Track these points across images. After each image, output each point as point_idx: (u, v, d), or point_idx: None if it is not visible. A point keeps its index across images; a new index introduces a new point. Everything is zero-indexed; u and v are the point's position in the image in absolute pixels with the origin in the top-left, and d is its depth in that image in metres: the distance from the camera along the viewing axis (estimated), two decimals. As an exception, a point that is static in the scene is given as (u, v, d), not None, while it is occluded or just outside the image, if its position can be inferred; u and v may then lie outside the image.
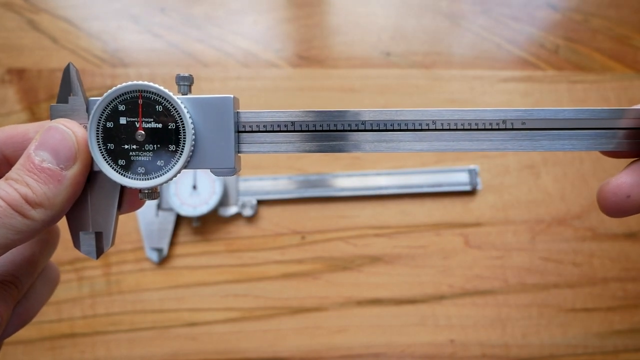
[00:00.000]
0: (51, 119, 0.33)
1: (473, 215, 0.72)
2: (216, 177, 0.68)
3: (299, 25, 0.79)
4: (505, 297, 0.70)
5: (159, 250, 0.69)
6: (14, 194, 0.30)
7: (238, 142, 0.34)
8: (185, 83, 0.34)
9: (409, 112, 0.34)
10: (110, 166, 0.33)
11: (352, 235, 0.71)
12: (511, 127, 0.34)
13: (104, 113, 0.33)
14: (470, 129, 0.34)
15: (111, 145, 0.33)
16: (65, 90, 0.34)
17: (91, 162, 0.33)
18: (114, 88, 0.32)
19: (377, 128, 0.34)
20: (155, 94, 0.33)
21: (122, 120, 0.33)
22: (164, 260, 0.70)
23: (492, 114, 0.34)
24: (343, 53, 0.77)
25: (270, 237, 0.71)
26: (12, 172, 0.31)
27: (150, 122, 0.33)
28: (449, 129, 0.34)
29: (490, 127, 0.34)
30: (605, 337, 0.69)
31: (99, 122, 0.33)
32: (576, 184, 0.73)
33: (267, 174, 0.72)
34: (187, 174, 0.70)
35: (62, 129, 0.32)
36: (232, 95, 0.34)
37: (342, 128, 0.34)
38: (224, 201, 0.70)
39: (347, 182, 0.72)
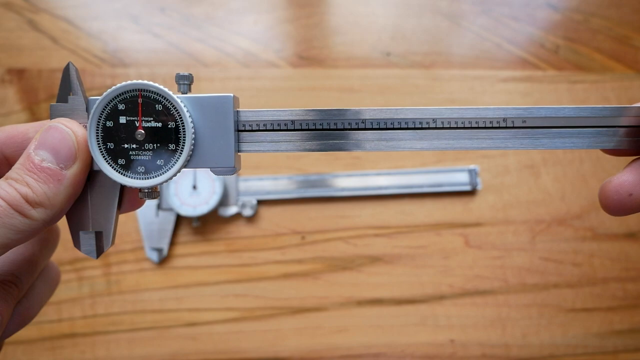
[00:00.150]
0: (51, 119, 0.33)
1: (473, 215, 0.72)
2: (216, 177, 0.68)
3: (299, 25, 0.79)
4: (505, 297, 0.70)
5: (159, 250, 0.69)
6: (14, 193, 0.30)
7: (238, 141, 0.34)
8: (185, 82, 0.34)
9: (409, 111, 0.34)
10: (110, 165, 0.33)
11: (352, 235, 0.71)
12: (512, 125, 0.34)
13: (103, 112, 0.33)
14: (471, 128, 0.34)
15: (111, 145, 0.33)
16: (65, 89, 0.34)
17: (91, 161, 0.33)
18: (113, 87, 0.32)
19: (377, 127, 0.34)
20: (155, 93, 0.33)
21: (122, 120, 0.33)
22: (164, 260, 0.70)
23: (492, 112, 0.34)
24: (343, 53, 0.77)
25: (270, 237, 0.71)
26: (12, 172, 0.31)
27: (150, 121, 0.33)
28: (449, 128, 0.34)
29: (490, 126, 0.34)
30: (605, 337, 0.69)
31: (98, 122, 0.33)
32: (576, 184, 0.73)
33: (267, 174, 0.72)
34: (187, 173, 0.70)
35: (61, 129, 0.32)
36: (231, 94, 0.34)
37: (342, 127, 0.34)
38: (224, 201, 0.70)
39: (347, 182, 0.72)
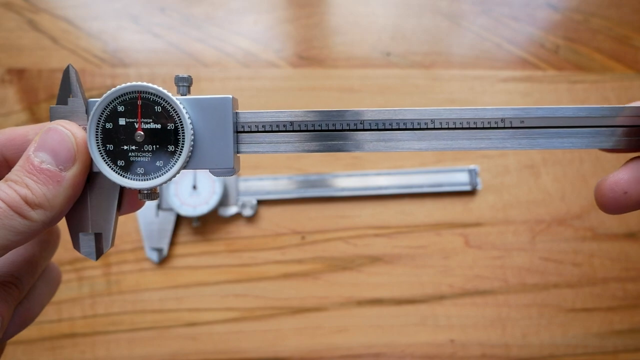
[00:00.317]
0: (51, 121, 0.33)
1: (473, 215, 0.72)
2: (216, 177, 0.68)
3: (299, 25, 0.79)
4: (505, 297, 0.70)
5: (159, 250, 0.69)
6: (14, 195, 0.30)
7: (237, 142, 0.34)
8: (184, 84, 0.34)
9: (408, 112, 0.34)
10: (110, 167, 0.33)
11: (352, 235, 0.71)
12: (510, 125, 0.34)
13: (103, 114, 0.33)
14: (469, 128, 0.34)
15: (110, 146, 0.33)
16: (65, 91, 0.34)
17: (90, 163, 0.33)
18: (113, 89, 0.32)
19: (377, 127, 0.34)
20: (154, 94, 0.33)
21: (121, 121, 0.33)
22: (164, 260, 0.70)
23: (490, 112, 0.34)
24: (343, 53, 0.77)
25: (270, 237, 0.71)
26: (12, 174, 0.31)
27: (150, 122, 0.33)
28: (448, 128, 0.34)
29: (489, 126, 0.34)
30: (605, 337, 0.69)
31: (98, 123, 0.33)
32: (576, 184, 0.73)
33: (267, 174, 0.72)
34: (187, 174, 0.70)
35: (61, 130, 0.32)
36: (230, 96, 0.34)
37: (341, 127, 0.34)
38: (224, 201, 0.70)
39: (347, 182, 0.72)
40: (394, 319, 0.69)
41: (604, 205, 0.33)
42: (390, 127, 0.34)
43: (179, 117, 0.33)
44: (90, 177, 0.34)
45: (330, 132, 0.34)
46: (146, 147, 0.33)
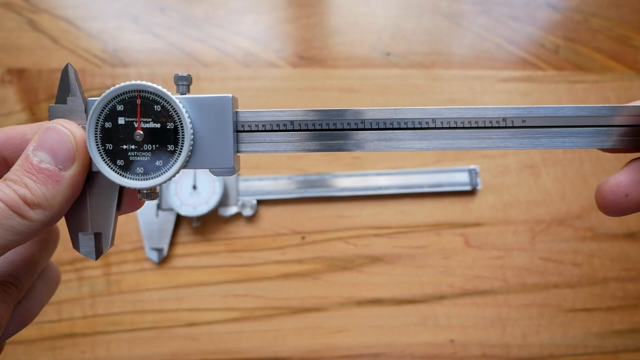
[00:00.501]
0: (50, 120, 0.33)
1: (473, 215, 0.72)
2: (216, 177, 0.68)
3: (299, 25, 0.79)
4: (505, 297, 0.70)
5: (159, 250, 0.69)
6: (13, 195, 0.30)
7: (237, 141, 0.34)
8: (184, 83, 0.34)
9: (409, 111, 0.34)
10: (109, 166, 0.33)
11: (352, 235, 0.71)
12: (511, 125, 0.34)
13: (102, 113, 0.32)
14: (471, 127, 0.34)
15: (110, 146, 0.33)
16: (64, 90, 0.34)
17: (90, 162, 0.33)
18: (112, 88, 0.32)
19: (377, 127, 0.34)
20: (153, 93, 0.32)
21: (121, 121, 0.33)
22: (164, 260, 0.70)
23: (492, 112, 0.34)
24: (343, 53, 0.77)
25: (270, 237, 0.71)
26: (11, 173, 0.31)
27: (149, 122, 0.33)
28: (449, 128, 0.34)
29: (490, 125, 0.34)
30: (605, 337, 0.69)
31: (97, 123, 0.32)
32: (576, 184, 0.73)
33: (267, 174, 0.72)
34: (187, 174, 0.70)
35: (60, 130, 0.32)
36: (230, 95, 0.34)
37: (342, 127, 0.34)
38: (224, 201, 0.70)
39: (347, 182, 0.72)
40: (394, 319, 0.69)
41: (605, 207, 0.33)
42: (391, 126, 0.34)
43: (178, 116, 0.32)
44: (90, 177, 0.34)
45: (330, 131, 0.34)
46: (146, 147, 0.33)
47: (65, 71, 0.34)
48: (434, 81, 0.76)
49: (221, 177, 0.68)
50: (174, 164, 0.33)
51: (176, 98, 0.33)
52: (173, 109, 0.32)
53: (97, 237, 0.34)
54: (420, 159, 0.73)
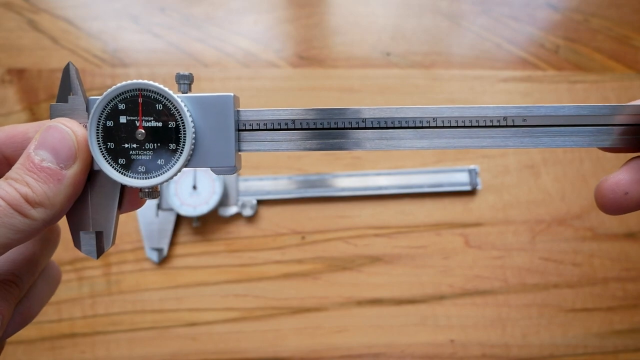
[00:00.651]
0: (51, 118, 0.33)
1: (473, 215, 0.72)
2: (216, 177, 0.68)
3: (299, 25, 0.79)
4: (505, 297, 0.70)
5: (159, 250, 0.69)
6: (14, 193, 0.30)
7: (238, 140, 0.34)
8: (185, 82, 0.34)
9: (409, 110, 0.34)
10: (111, 165, 0.33)
11: (352, 235, 0.71)
12: (512, 124, 0.34)
13: (104, 112, 0.32)
14: (471, 126, 0.34)
15: (111, 144, 0.33)
16: (65, 89, 0.34)
17: (91, 161, 0.33)
18: (113, 87, 0.32)
19: (378, 126, 0.34)
20: (155, 92, 0.32)
21: (122, 119, 0.33)
22: (164, 260, 0.70)
23: (492, 111, 0.34)
24: (343, 53, 0.77)
25: (270, 237, 0.71)
26: (12, 172, 0.31)
27: (151, 120, 0.33)
28: (450, 127, 0.34)
29: (491, 124, 0.34)
30: (605, 337, 0.69)
31: (99, 121, 0.32)
32: (576, 184, 0.73)
33: (267, 174, 0.72)
34: (187, 174, 0.70)
35: (61, 128, 0.32)
36: (232, 94, 0.34)
37: (342, 126, 0.34)
38: (224, 201, 0.70)
39: (347, 182, 0.72)
40: (394, 319, 0.69)
41: (604, 206, 0.33)
42: (391, 125, 0.34)
43: (180, 115, 0.32)
44: (91, 176, 0.34)
45: (331, 130, 0.34)
46: (147, 145, 0.33)
47: (66, 70, 0.34)
48: (434, 81, 0.76)
49: (221, 177, 0.69)
50: (176, 162, 0.33)
51: (178, 97, 0.33)
52: (175, 108, 0.32)
53: (99, 235, 0.34)
54: (420, 159, 0.73)
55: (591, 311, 0.70)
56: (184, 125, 0.33)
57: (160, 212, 0.70)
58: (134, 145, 0.33)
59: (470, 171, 0.72)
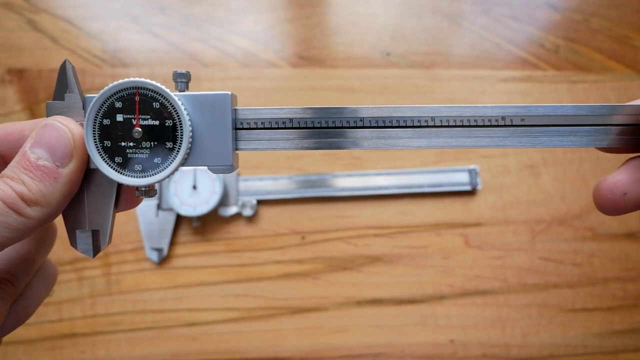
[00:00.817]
0: (47, 116, 0.33)
1: (473, 215, 0.72)
2: (216, 177, 0.68)
3: (299, 25, 0.79)
4: (505, 297, 0.70)
5: (159, 250, 0.69)
6: (10, 191, 0.30)
7: (236, 139, 0.34)
8: (183, 80, 0.34)
9: (408, 109, 0.34)
10: (107, 164, 0.33)
11: (352, 235, 0.71)
12: (510, 123, 0.34)
13: (100, 110, 0.32)
14: (470, 126, 0.34)
15: (108, 143, 0.32)
16: (62, 87, 0.33)
17: (87, 159, 0.33)
18: (110, 85, 0.32)
19: (376, 125, 0.34)
20: (152, 90, 0.32)
21: (119, 118, 0.32)
22: (164, 260, 0.70)
23: (491, 110, 0.34)
24: (343, 53, 0.77)
25: (270, 237, 0.71)
26: (8, 170, 0.31)
27: (148, 119, 0.32)
28: (448, 126, 0.34)
29: (489, 124, 0.34)
30: (605, 337, 0.69)
31: (95, 119, 0.32)
32: (576, 184, 0.73)
33: (267, 174, 0.72)
34: (187, 174, 0.69)
35: (58, 126, 0.32)
36: (229, 92, 0.33)
37: (340, 125, 0.34)
38: (224, 201, 0.70)
39: (347, 182, 0.72)
40: (394, 319, 0.69)
41: (603, 206, 0.33)
42: (389, 124, 0.34)
43: (177, 113, 0.32)
44: (87, 174, 0.33)
45: (329, 129, 0.34)
46: (144, 144, 0.32)
47: (63, 68, 0.33)
48: (434, 81, 0.76)
49: (221, 177, 0.69)
50: (173, 161, 0.33)
51: (175, 95, 0.32)
52: (172, 106, 0.32)
53: (95, 234, 0.34)
54: (420, 159, 0.73)
55: (591, 311, 0.70)
56: (181, 124, 0.32)
57: (160, 212, 0.70)
58: (131, 144, 0.32)
59: (470, 171, 0.72)
